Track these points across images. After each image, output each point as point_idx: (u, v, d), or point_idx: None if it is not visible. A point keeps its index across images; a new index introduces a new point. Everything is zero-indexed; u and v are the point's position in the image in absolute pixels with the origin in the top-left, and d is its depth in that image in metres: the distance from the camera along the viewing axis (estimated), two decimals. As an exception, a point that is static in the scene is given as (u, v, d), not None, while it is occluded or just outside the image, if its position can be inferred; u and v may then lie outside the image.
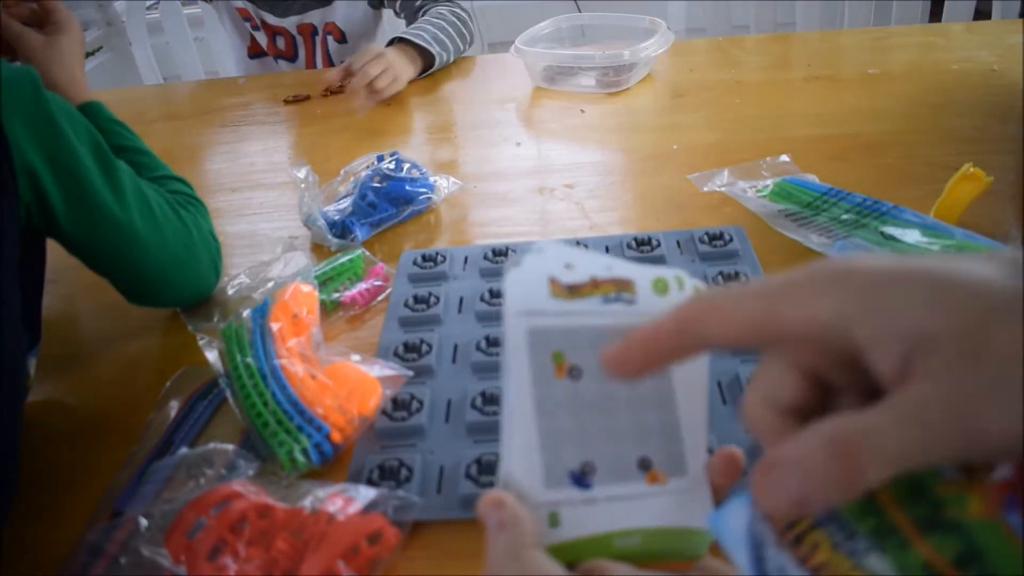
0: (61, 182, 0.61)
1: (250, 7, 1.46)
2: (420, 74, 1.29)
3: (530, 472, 0.34)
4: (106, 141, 0.67)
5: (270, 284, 0.76)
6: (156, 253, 0.68)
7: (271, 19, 1.47)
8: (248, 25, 1.50)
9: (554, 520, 0.33)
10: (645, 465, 0.35)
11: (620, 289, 0.36)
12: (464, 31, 1.35)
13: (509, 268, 0.34)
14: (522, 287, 0.34)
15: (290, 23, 1.47)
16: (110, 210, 0.64)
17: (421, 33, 1.28)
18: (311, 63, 1.52)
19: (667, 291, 0.37)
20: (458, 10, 1.38)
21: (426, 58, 1.28)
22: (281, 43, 1.50)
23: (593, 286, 0.35)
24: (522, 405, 0.34)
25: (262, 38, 1.51)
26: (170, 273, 0.70)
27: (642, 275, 0.36)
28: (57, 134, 0.61)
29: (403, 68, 1.23)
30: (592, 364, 0.35)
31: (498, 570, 0.32)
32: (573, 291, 0.35)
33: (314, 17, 1.46)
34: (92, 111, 0.77)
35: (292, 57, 1.52)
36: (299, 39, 1.49)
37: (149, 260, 0.68)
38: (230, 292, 0.77)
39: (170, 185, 0.76)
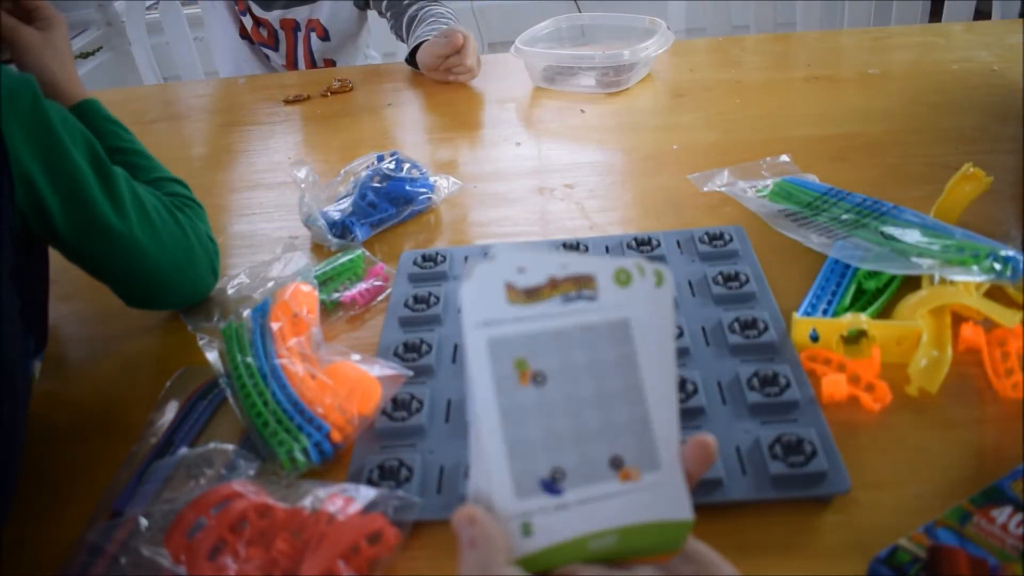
0: (59, 191, 0.61)
1: None
2: None
3: (500, 484, 0.33)
4: (103, 141, 0.67)
5: (270, 284, 0.76)
6: (155, 260, 0.68)
7: (256, 10, 1.47)
8: (237, 8, 1.51)
9: (527, 530, 0.33)
10: (617, 463, 0.35)
11: (580, 286, 0.35)
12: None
13: (463, 280, 0.34)
14: (478, 297, 0.34)
15: (273, 17, 1.47)
16: (108, 220, 0.64)
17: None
18: (292, 57, 1.52)
19: (630, 281, 0.36)
20: (448, 9, 1.38)
21: None
22: (264, 32, 1.50)
23: (552, 287, 0.35)
24: (488, 417, 0.34)
25: (248, 23, 1.51)
26: (169, 278, 0.70)
27: (602, 268, 0.36)
28: (56, 143, 0.61)
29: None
30: (556, 367, 0.35)
31: None
32: (531, 295, 0.35)
33: (299, 13, 1.46)
34: (89, 109, 0.76)
35: (274, 47, 1.53)
36: (281, 33, 1.49)
37: (148, 267, 0.68)
38: (230, 292, 0.77)
39: (167, 187, 0.76)
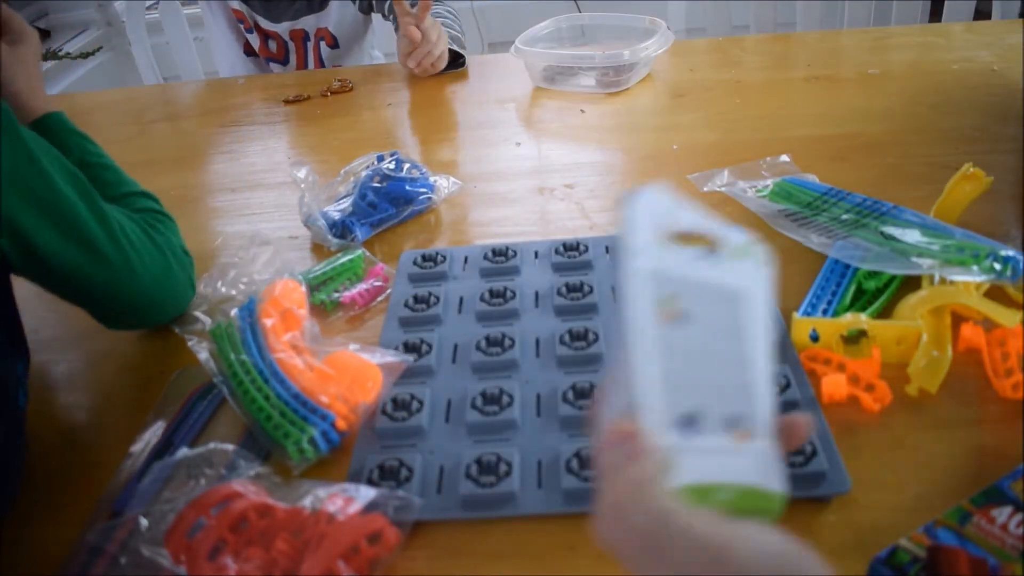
0: (50, 222, 0.59)
1: (244, 9, 1.46)
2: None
3: (651, 413, 0.33)
4: (70, 155, 0.65)
5: (246, 280, 0.75)
6: (139, 282, 0.66)
7: (264, 23, 1.47)
8: (242, 27, 1.50)
9: (670, 465, 0.33)
10: (735, 422, 0.35)
11: (716, 247, 0.36)
12: (462, 29, 1.36)
13: (627, 202, 0.34)
14: (644, 222, 0.34)
15: (283, 28, 1.47)
16: (101, 245, 0.63)
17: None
18: (302, 68, 1.52)
19: (747, 254, 0.37)
20: (452, 11, 1.38)
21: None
22: (273, 46, 1.50)
23: (697, 239, 0.36)
24: (644, 345, 0.33)
25: (255, 40, 1.51)
26: (151, 299, 0.69)
27: (730, 237, 0.37)
28: (40, 173, 0.59)
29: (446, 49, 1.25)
30: (697, 314, 0.35)
31: (623, 504, 0.31)
32: (683, 239, 0.35)
33: (307, 23, 1.46)
34: (54, 122, 0.75)
35: (283, 60, 1.52)
36: (291, 44, 1.49)
37: (133, 290, 0.66)
38: (209, 291, 0.75)
39: (137, 202, 0.74)
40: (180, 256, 0.73)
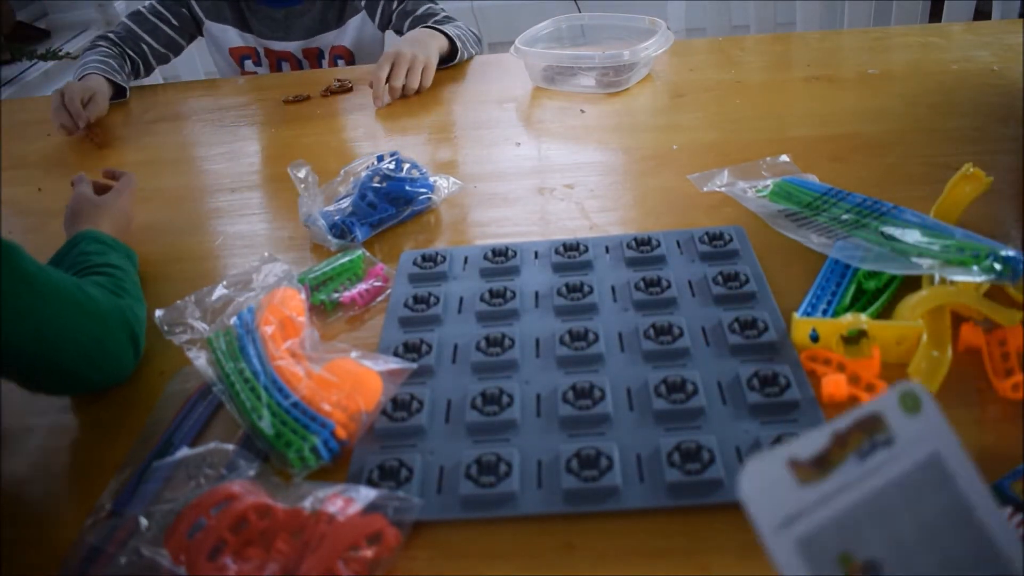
0: None
1: (251, 39, 1.46)
2: (443, 62, 1.30)
3: None
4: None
5: (252, 293, 0.74)
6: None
7: (276, 45, 1.46)
8: (249, 61, 1.49)
9: None
10: None
11: (871, 432, 0.29)
12: (475, 40, 1.37)
13: (741, 478, 0.28)
14: (763, 491, 0.28)
15: (295, 47, 1.46)
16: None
17: (443, 28, 1.30)
18: None
19: (918, 407, 0.30)
20: (467, 26, 1.39)
21: (446, 43, 1.29)
22: (287, 69, 1.49)
23: (840, 445, 0.29)
24: None
25: (264, 71, 1.50)
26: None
27: (886, 402, 0.29)
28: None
29: (426, 47, 1.24)
30: (887, 548, 0.27)
31: None
32: (822, 464, 0.28)
33: (322, 41, 1.45)
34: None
35: None
36: (305, 64, 1.48)
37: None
38: (213, 299, 0.74)
39: (98, 268, 0.73)
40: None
